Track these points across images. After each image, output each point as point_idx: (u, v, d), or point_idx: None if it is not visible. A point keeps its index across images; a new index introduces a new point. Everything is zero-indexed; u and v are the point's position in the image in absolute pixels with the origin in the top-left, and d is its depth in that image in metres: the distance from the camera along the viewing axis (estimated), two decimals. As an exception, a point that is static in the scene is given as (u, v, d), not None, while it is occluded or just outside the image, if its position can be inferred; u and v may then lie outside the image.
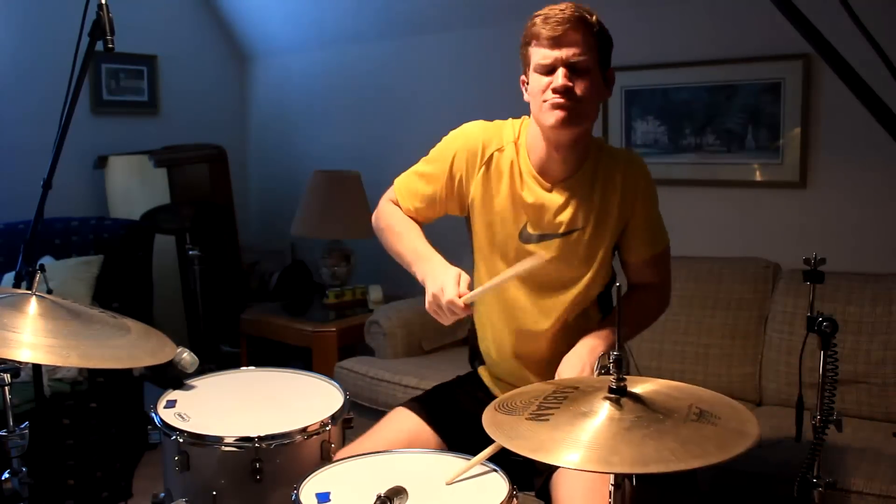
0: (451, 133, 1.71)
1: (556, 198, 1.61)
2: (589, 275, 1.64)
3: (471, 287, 1.52)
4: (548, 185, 1.62)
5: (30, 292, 1.41)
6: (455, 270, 1.52)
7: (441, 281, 1.50)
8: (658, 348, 2.70)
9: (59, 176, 1.63)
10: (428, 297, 1.51)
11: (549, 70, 1.52)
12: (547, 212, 1.61)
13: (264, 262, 4.22)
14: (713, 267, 2.73)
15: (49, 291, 1.50)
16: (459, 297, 1.46)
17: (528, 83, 1.59)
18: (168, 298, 3.55)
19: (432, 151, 1.73)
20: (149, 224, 3.26)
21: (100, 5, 1.49)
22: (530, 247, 1.62)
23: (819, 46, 0.87)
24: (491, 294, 1.66)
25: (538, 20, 1.52)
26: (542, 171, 1.62)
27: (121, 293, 2.97)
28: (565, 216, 1.61)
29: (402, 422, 1.67)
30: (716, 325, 2.64)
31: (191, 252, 2.98)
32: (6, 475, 1.49)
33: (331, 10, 3.88)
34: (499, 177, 1.64)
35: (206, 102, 4.30)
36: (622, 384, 1.12)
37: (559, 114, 1.51)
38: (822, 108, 2.66)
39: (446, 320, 1.50)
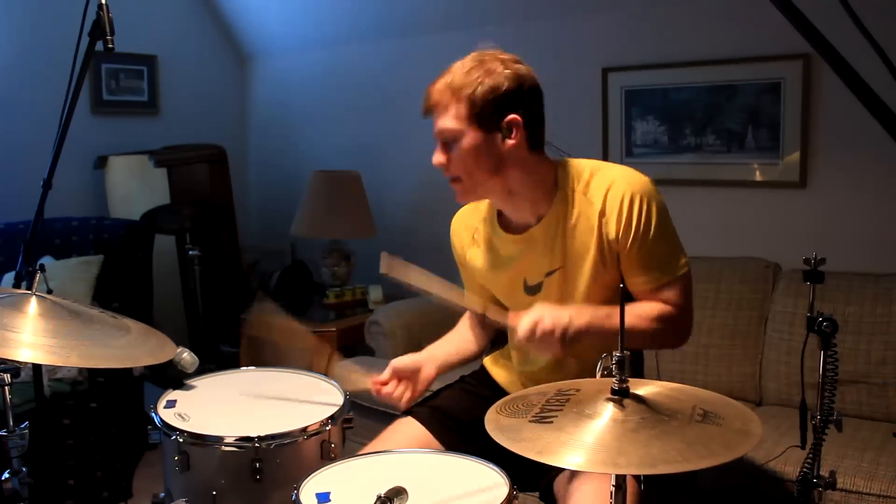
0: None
1: (529, 245, 1.60)
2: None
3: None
4: (516, 236, 1.62)
5: (30, 292, 1.41)
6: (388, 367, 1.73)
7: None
8: (658, 348, 2.70)
9: (59, 176, 1.63)
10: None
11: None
12: (531, 259, 1.61)
13: (264, 262, 4.22)
14: (713, 267, 2.73)
15: (49, 291, 1.49)
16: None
17: None
18: (168, 298, 3.54)
19: None
20: (149, 224, 3.26)
21: (100, 5, 1.49)
22: (537, 297, 1.61)
23: (819, 46, 0.87)
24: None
25: None
26: (506, 227, 1.65)
27: (121, 293, 2.97)
28: (545, 259, 1.59)
29: (407, 432, 1.67)
30: (716, 325, 2.64)
31: (191, 252, 2.98)
32: (6, 475, 1.49)
33: (330, 10, 3.88)
34: (486, 248, 1.69)
35: (206, 102, 4.30)
36: (624, 386, 1.12)
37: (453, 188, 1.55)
38: (822, 108, 2.66)
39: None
